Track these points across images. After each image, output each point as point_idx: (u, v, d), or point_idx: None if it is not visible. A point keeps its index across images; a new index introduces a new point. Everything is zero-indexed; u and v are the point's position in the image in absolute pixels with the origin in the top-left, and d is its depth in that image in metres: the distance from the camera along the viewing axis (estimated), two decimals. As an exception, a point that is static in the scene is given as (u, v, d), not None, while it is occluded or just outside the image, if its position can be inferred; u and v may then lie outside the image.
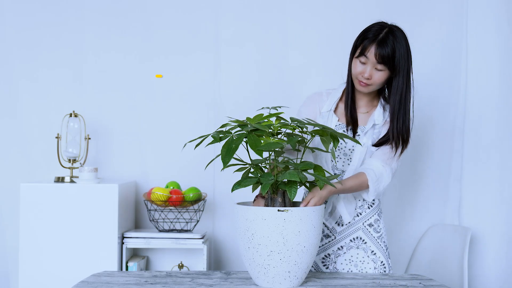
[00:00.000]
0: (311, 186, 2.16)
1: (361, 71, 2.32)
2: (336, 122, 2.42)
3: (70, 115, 3.14)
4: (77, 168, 3.10)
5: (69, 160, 3.12)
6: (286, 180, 2.05)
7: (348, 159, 2.41)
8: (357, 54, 2.32)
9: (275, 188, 2.08)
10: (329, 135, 2.09)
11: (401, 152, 2.37)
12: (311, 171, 2.09)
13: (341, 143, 2.39)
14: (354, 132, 2.39)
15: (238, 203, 2.14)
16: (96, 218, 2.90)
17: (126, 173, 3.26)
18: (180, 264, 3.15)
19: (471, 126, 3.19)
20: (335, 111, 2.44)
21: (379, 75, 2.30)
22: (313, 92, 2.54)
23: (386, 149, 2.36)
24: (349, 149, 2.39)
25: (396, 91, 2.33)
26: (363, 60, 2.30)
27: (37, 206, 2.90)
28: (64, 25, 3.27)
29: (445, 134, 3.20)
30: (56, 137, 3.14)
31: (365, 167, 2.34)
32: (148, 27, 3.27)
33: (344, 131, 2.40)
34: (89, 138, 3.18)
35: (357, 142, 2.20)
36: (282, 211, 1.98)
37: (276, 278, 2.04)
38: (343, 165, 2.42)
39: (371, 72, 2.30)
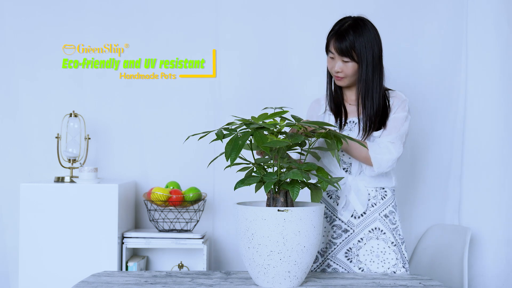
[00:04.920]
0: (314, 187, 2.16)
1: (331, 67, 2.43)
2: (334, 120, 2.48)
3: (70, 115, 3.14)
4: (77, 168, 3.10)
5: (69, 160, 3.12)
6: (289, 180, 2.05)
7: None
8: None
9: (278, 188, 2.08)
10: (333, 138, 2.10)
11: (405, 134, 2.39)
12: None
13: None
14: (344, 123, 2.45)
15: (238, 203, 2.14)
16: (96, 218, 2.90)
17: (126, 173, 3.26)
18: (180, 264, 3.15)
19: (471, 126, 3.19)
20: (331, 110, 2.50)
21: (348, 67, 2.38)
22: (312, 100, 2.63)
23: (384, 134, 2.39)
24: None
25: (359, 79, 2.39)
26: (331, 55, 2.41)
27: (37, 206, 2.90)
28: (63, 25, 3.27)
29: (445, 134, 3.20)
30: (56, 137, 3.14)
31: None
32: (149, 28, 3.27)
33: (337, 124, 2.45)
34: (89, 138, 3.18)
35: (364, 145, 2.23)
36: (282, 211, 1.98)
37: (276, 278, 2.04)
38: (349, 157, 2.44)
39: (341, 65, 2.39)
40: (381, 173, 2.38)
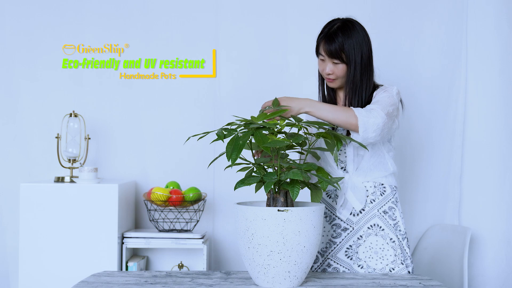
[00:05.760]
0: (314, 187, 2.16)
1: (322, 69, 2.42)
2: None
3: (70, 115, 3.14)
4: (77, 168, 3.10)
5: (69, 160, 3.12)
6: (289, 180, 2.05)
7: (344, 146, 2.44)
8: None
9: (278, 188, 2.09)
10: (333, 138, 2.10)
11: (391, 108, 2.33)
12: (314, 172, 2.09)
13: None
14: None
15: (238, 203, 2.14)
16: (96, 218, 2.90)
17: (126, 173, 3.26)
18: (180, 264, 3.15)
19: (470, 126, 3.18)
20: None
21: (339, 69, 2.38)
22: None
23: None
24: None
25: (347, 80, 2.39)
26: (321, 57, 2.41)
27: (37, 206, 2.90)
28: (63, 26, 3.27)
29: (445, 134, 3.20)
30: (56, 137, 3.14)
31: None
32: (149, 28, 3.27)
33: None
34: (89, 138, 3.18)
35: (364, 146, 2.22)
36: (282, 211, 1.99)
37: (276, 278, 2.04)
38: (345, 156, 2.44)
39: (331, 67, 2.39)
40: (367, 140, 2.26)
